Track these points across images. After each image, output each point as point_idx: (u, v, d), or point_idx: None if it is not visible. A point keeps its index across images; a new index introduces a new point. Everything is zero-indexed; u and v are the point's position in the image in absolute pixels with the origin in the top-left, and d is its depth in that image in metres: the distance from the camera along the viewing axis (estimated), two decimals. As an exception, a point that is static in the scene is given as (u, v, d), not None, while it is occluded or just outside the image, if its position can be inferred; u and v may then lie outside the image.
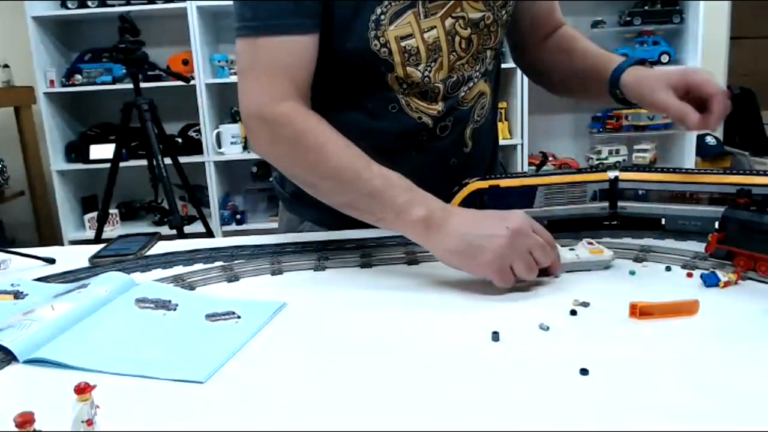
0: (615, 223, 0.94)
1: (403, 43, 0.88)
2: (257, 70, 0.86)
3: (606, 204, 0.92)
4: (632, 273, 0.78)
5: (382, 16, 0.86)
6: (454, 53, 0.92)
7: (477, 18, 0.92)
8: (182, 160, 2.82)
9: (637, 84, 0.90)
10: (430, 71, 0.92)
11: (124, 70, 3.07)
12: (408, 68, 0.90)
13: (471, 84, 0.97)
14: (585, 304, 0.68)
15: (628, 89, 0.92)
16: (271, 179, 3.67)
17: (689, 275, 0.76)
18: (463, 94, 0.97)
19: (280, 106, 0.85)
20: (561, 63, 1.06)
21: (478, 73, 0.98)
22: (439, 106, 0.95)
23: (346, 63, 0.90)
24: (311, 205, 1.06)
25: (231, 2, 0.87)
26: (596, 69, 0.97)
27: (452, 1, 0.89)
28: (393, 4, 0.86)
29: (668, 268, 0.79)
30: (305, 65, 0.87)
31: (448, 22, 0.90)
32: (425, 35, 0.89)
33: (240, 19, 0.86)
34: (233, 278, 0.81)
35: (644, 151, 3.27)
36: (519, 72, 2.97)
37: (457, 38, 0.91)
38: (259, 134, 0.88)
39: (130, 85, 2.65)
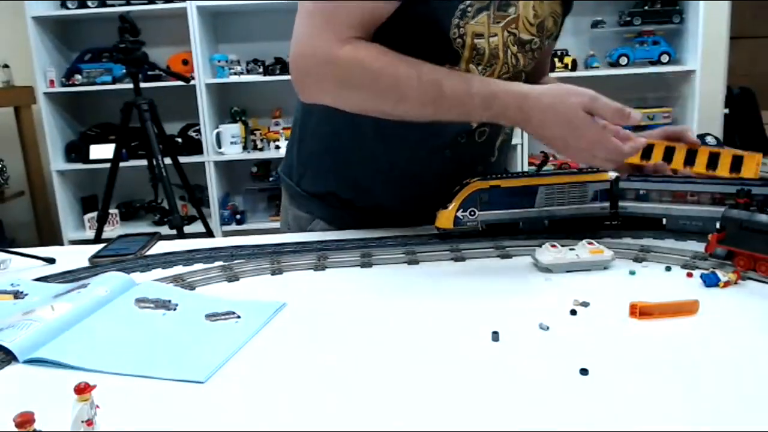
0: (615, 223, 0.94)
1: (475, 41, 0.89)
2: (330, 17, 0.84)
3: (606, 204, 0.93)
4: (632, 273, 0.78)
5: (469, 8, 0.87)
6: (506, 65, 0.94)
7: (526, 39, 0.94)
8: (182, 160, 2.82)
9: None
10: (484, 75, 0.93)
11: (124, 70, 3.07)
12: (471, 65, 0.92)
13: None
14: (585, 304, 0.68)
15: None
16: (276, 172, 3.66)
17: (689, 275, 0.76)
18: None
19: (346, 47, 0.84)
20: None
21: None
22: None
23: (417, 47, 0.88)
24: (326, 202, 1.06)
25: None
26: None
27: (513, 16, 0.90)
28: (478, 0, 0.87)
29: (668, 268, 0.79)
30: (374, 27, 0.86)
31: (505, 34, 0.92)
32: (490, 39, 0.90)
33: None
34: (233, 278, 0.81)
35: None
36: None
37: (509, 52, 0.93)
38: (324, 77, 0.86)
39: (130, 85, 2.65)
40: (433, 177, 0.95)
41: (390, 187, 1.02)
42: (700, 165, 0.93)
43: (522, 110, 0.84)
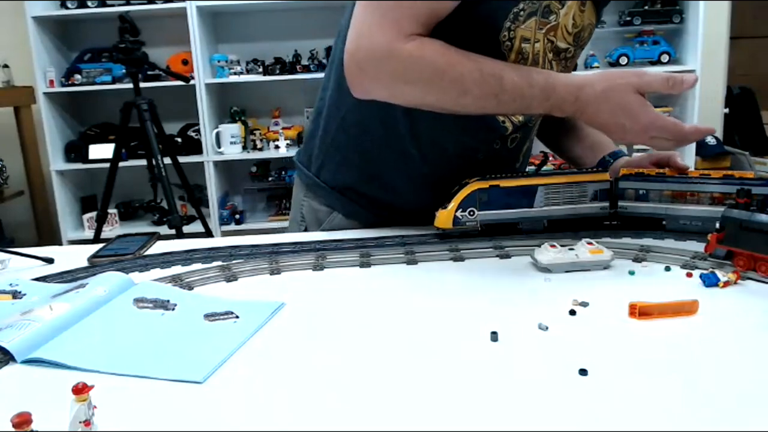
0: (615, 223, 0.94)
1: (522, 45, 0.90)
2: (392, 13, 0.83)
3: (606, 204, 0.92)
4: (632, 273, 0.78)
5: (521, 12, 0.87)
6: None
7: (562, 48, 0.94)
8: (182, 160, 2.82)
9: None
10: None
11: (124, 70, 3.07)
12: None
13: None
14: (584, 304, 0.68)
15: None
16: (276, 172, 3.61)
17: (689, 275, 0.76)
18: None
19: (411, 43, 0.84)
20: (562, 133, 1.16)
21: None
22: (520, 117, 0.98)
23: (467, 48, 0.87)
24: (345, 196, 1.06)
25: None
26: (592, 155, 1.12)
27: (552, 24, 0.91)
28: (530, 4, 0.88)
29: (668, 268, 0.79)
30: (434, 23, 0.86)
31: (545, 41, 0.92)
32: (535, 45, 0.90)
33: None
34: (232, 278, 0.81)
35: (644, 151, 3.27)
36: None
37: (546, 59, 0.93)
38: (383, 71, 0.85)
39: (130, 85, 2.65)
40: (460, 179, 0.94)
41: (415, 185, 1.02)
42: None
43: (578, 101, 0.85)
